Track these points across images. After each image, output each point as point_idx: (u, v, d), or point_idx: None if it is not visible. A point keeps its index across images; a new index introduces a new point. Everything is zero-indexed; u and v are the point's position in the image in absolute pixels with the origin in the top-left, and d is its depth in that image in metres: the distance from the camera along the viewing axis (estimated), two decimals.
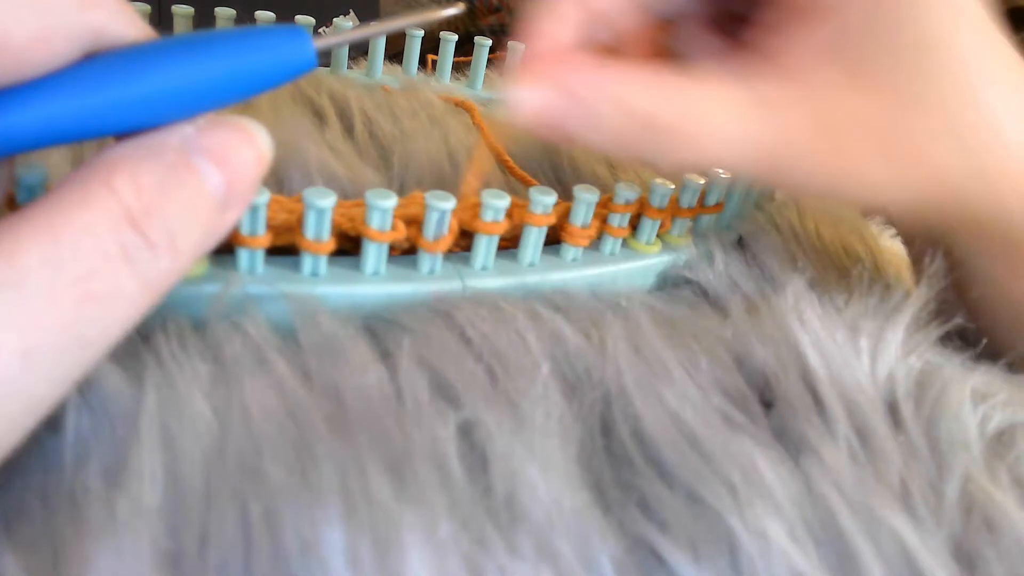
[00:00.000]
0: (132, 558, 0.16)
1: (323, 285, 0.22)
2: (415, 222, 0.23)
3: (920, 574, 0.16)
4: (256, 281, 0.21)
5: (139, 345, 0.19)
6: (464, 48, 0.40)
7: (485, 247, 0.24)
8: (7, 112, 0.15)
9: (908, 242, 0.30)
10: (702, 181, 0.27)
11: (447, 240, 0.23)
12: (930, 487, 0.18)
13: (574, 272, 0.25)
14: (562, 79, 0.21)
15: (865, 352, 0.20)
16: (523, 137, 0.33)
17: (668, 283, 0.28)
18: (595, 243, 0.27)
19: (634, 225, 0.27)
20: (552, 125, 0.21)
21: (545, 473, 0.17)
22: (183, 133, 0.16)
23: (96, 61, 0.16)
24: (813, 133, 0.22)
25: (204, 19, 0.34)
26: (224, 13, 0.34)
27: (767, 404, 0.20)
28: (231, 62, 0.16)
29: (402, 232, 0.22)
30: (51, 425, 0.17)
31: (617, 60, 0.22)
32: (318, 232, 0.21)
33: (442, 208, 0.22)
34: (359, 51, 0.38)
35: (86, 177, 0.15)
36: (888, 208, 0.24)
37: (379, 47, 0.37)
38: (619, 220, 0.26)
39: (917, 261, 0.28)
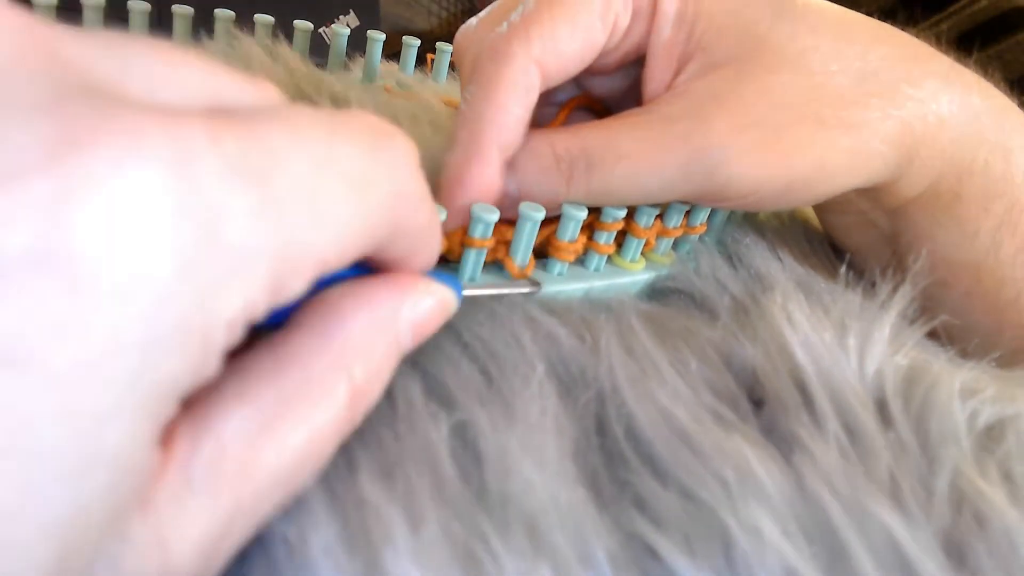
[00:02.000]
0: None
1: None
2: None
3: (910, 567, 0.16)
4: None
5: None
6: None
7: (473, 260, 0.24)
8: None
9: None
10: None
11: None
12: (920, 482, 0.18)
13: (560, 285, 0.26)
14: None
15: (853, 350, 0.21)
16: None
17: (656, 294, 0.28)
18: (581, 259, 0.27)
19: (619, 243, 0.28)
20: (504, 202, 0.25)
21: (540, 470, 0.17)
22: (402, 309, 0.18)
23: None
24: (730, 125, 0.24)
25: (203, 20, 0.34)
26: (223, 15, 0.34)
27: (757, 403, 0.20)
28: None
29: None
30: None
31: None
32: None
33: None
34: (358, 51, 0.38)
35: (331, 357, 0.16)
36: (841, 181, 0.25)
37: (376, 49, 0.37)
38: (605, 237, 0.27)
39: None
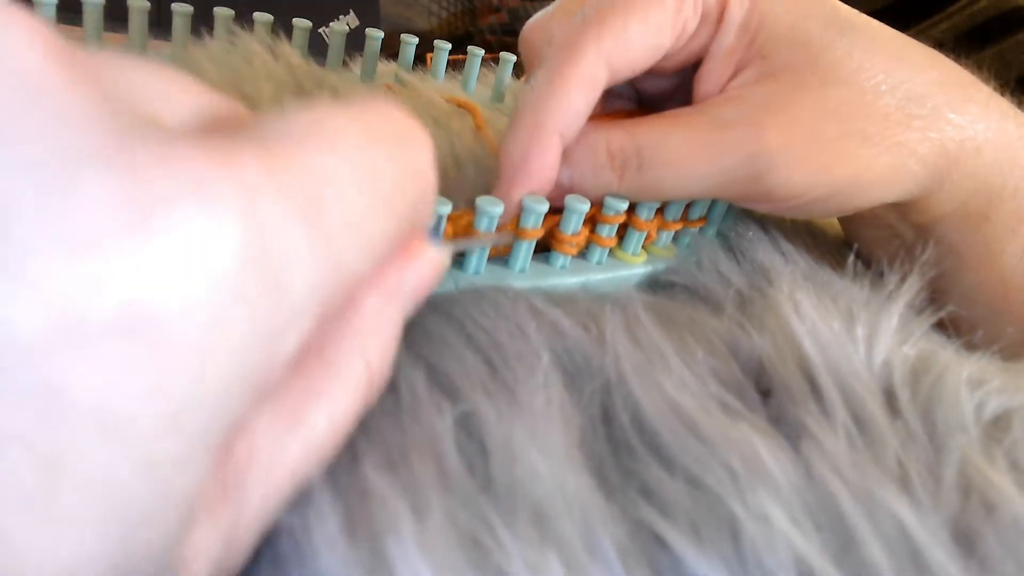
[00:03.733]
0: None
1: None
2: None
3: (919, 554, 0.16)
4: None
5: None
6: (462, 47, 0.41)
7: (478, 253, 0.24)
8: None
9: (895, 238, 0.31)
10: None
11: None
12: (928, 470, 0.18)
13: (562, 279, 0.26)
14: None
15: (861, 340, 0.21)
16: None
17: (659, 288, 0.28)
18: (583, 252, 0.27)
19: (621, 236, 0.28)
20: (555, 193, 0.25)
21: (547, 459, 0.17)
22: (405, 279, 0.18)
23: None
24: (782, 134, 0.24)
25: (203, 18, 0.34)
26: (223, 13, 0.34)
27: (764, 392, 0.20)
28: None
29: None
30: None
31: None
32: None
33: (438, 213, 0.22)
34: (358, 50, 0.38)
35: (348, 340, 0.16)
36: (877, 195, 0.26)
37: (374, 47, 0.37)
38: (607, 231, 0.27)
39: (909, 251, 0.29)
